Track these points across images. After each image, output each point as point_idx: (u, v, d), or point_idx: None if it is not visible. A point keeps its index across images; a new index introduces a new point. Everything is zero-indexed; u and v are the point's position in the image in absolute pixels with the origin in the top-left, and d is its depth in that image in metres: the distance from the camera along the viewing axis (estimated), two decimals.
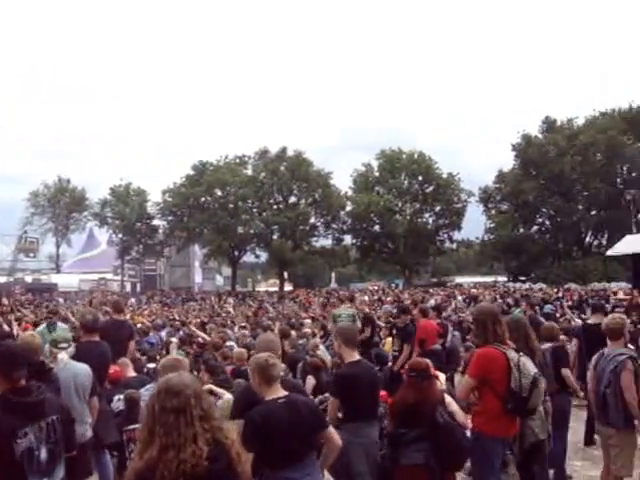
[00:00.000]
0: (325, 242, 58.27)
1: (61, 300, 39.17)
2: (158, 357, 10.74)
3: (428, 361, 5.89)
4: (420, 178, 56.71)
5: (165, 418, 2.74)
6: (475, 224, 59.51)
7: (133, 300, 39.05)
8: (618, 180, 54.80)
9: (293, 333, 12.31)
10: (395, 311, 17.53)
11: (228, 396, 6.18)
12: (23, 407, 3.75)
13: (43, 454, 3.75)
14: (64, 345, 6.35)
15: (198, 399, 2.84)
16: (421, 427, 5.06)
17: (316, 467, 4.29)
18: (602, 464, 6.45)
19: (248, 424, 4.02)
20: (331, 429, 4.41)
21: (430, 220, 58.19)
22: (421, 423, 5.07)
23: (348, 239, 57.96)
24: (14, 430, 3.64)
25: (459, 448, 5.11)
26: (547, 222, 59.29)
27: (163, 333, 14.41)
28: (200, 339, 11.68)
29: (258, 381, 4.25)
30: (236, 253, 57.16)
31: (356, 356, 5.62)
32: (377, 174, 57.51)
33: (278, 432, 3.96)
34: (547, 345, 7.32)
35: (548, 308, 17.33)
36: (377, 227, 55.94)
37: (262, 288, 70.47)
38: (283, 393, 4.27)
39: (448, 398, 6.17)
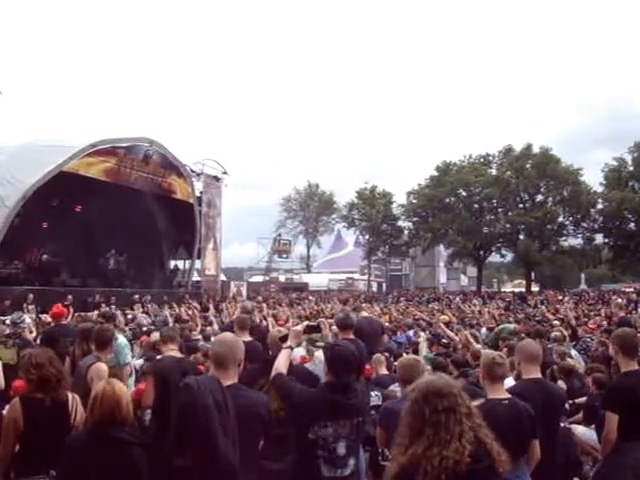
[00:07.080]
0: (575, 241, 55.55)
1: (312, 298, 41.23)
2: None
3: None
4: None
5: (436, 418, 2.82)
6: None
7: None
8: None
9: None
10: None
11: None
12: (332, 403, 4.18)
13: (341, 448, 4.14)
14: (321, 344, 6.89)
15: (463, 397, 2.93)
16: None
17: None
18: None
19: None
20: (536, 441, 4.36)
21: None
22: None
23: (600, 238, 54.78)
24: (314, 419, 4.12)
25: None
26: None
27: (410, 333, 14.66)
28: (445, 339, 11.78)
29: (482, 376, 4.50)
30: (481, 253, 56.44)
31: (635, 365, 5.07)
32: (631, 168, 53.50)
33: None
34: None
35: None
36: (632, 225, 51.91)
37: (508, 289, 68.80)
38: (507, 395, 4.39)
39: None
